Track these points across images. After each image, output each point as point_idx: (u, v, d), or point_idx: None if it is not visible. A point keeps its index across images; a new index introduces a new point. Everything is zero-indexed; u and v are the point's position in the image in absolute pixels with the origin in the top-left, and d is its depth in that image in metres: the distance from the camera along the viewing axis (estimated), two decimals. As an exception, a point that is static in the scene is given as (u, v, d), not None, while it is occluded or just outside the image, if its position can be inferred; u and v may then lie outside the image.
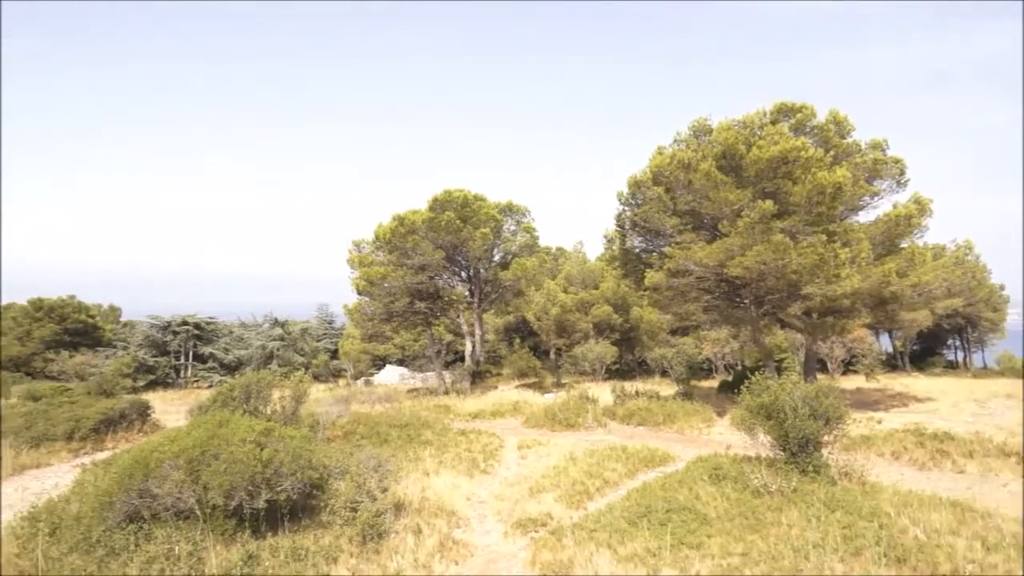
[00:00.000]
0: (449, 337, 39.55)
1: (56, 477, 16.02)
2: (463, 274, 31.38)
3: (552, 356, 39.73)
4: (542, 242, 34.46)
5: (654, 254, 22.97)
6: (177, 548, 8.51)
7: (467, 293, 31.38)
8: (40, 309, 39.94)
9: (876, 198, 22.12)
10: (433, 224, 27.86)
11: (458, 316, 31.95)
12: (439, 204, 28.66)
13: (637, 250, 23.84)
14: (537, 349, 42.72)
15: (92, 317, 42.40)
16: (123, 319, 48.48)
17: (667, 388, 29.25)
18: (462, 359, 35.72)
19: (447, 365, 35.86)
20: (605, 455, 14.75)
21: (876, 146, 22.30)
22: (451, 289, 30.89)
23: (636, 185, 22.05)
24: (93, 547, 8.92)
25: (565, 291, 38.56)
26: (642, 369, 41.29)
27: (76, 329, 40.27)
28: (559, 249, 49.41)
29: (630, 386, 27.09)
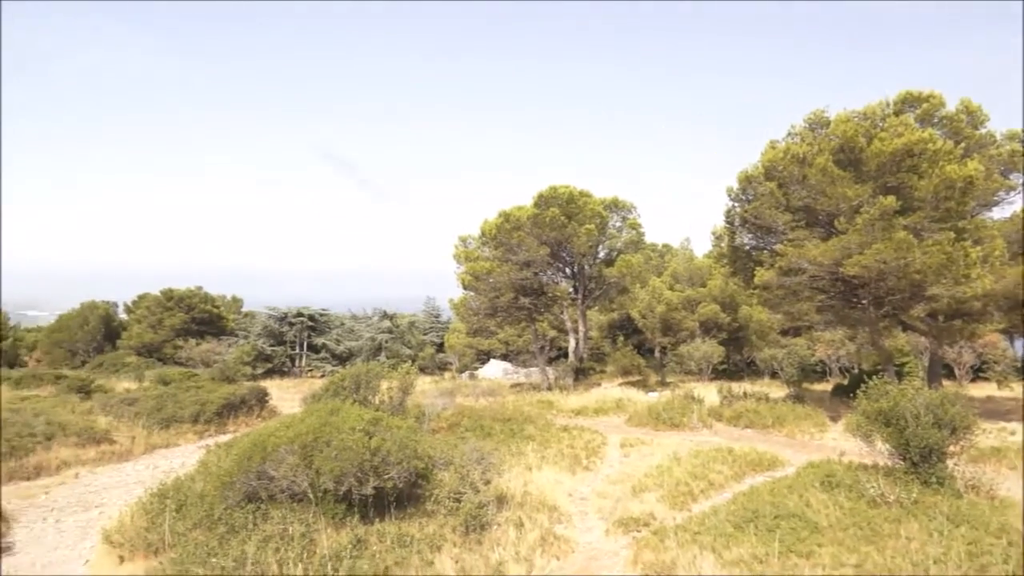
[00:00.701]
0: (553, 333, 39.62)
1: (183, 456, 17.13)
2: (567, 270, 31.37)
3: (657, 354, 39.16)
4: (648, 238, 34.01)
5: (765, 251, 22.22)
6: (291, 529, 8.93)
7: (571, 289, 31.34)
8: (171, 299, 42.69)
9: (1012, 193, 20.59)
10: (538, 220, 27.98)
11: (562, 312, 31.97)
12: (544, 200, 28.74)
13: (747, 247, 23.12)
14: (641, 347, 42.21)
15: (217, 307, 44.99)
16: (244, 310, 51.14)
17: (777, 390, 28.28)
18: (565, 355, 35.73)
19: (550, 361, 35.95)
20: (710, 456, 14.41)
21: (1013, 137, 20.75)
22: (555, 285, 30.94)
23: (747, 180, 21.40)
24: (215, 524, 9.48)
25: (671, 288, 37.91)
26: (750, 370, 40.06)
27: (202, 318, 42.81)
28: (665, 246, 48.61)
29: (737, 387, 26.35)
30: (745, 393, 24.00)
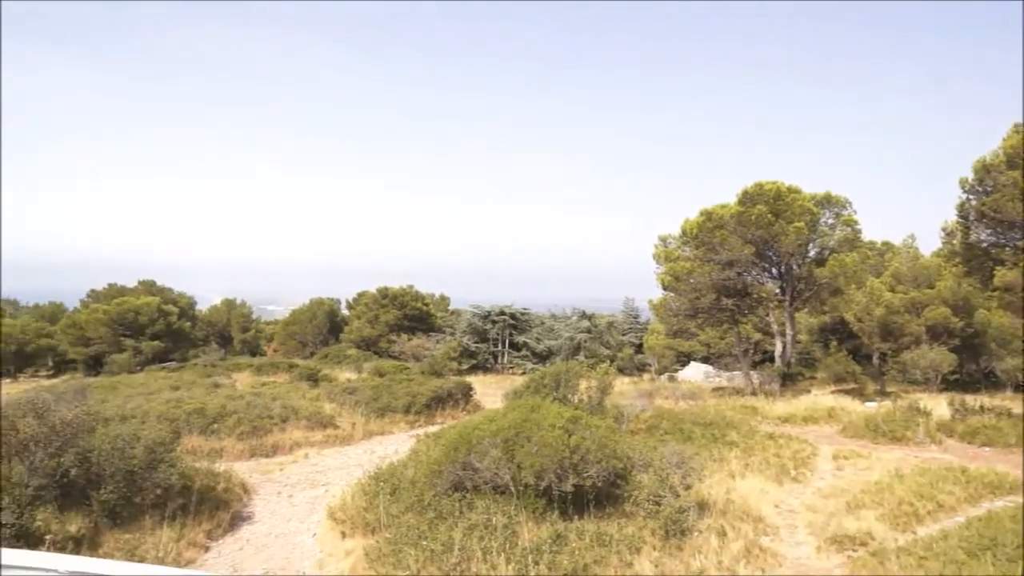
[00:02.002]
0: (757, 336, 37.87)
1: (396, 444, 18.32)
2: (773, 270, 29.82)
3: (875, 361, 36.13)
4: (865, 236, 31.47)
5: (1007, 249, 19.78)
6: (494, 519, 9.26)
7: (777, 290, 29.77)
8: (386, 297, 45.90)
9: None
10: (742, 218, 26.87)
11: (767, 314, 30.46)
12: (749, 197, 27.54)
13: (984, 244, 20.72)
14: (856, 353, 39.14)
15: (426, 305, 47.74)
16: (451, 308, 53.80)
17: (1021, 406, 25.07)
18: (771, 359, 34.02)
19: (755, 365, 34.38)
20: (939, 475, 13.05)
21: None
22: (760, 286, 29.54)
23: (984, 170, 19.18)
24: (425, 509, 10.06)
25: (892, 290, 34.79)
26: (989, 381, 35.77)
27: (413, 315, 45.60)
28: (885, 244, 44.73)
29: (972, 400, 23.67)
30: (982, 407, 21.49)
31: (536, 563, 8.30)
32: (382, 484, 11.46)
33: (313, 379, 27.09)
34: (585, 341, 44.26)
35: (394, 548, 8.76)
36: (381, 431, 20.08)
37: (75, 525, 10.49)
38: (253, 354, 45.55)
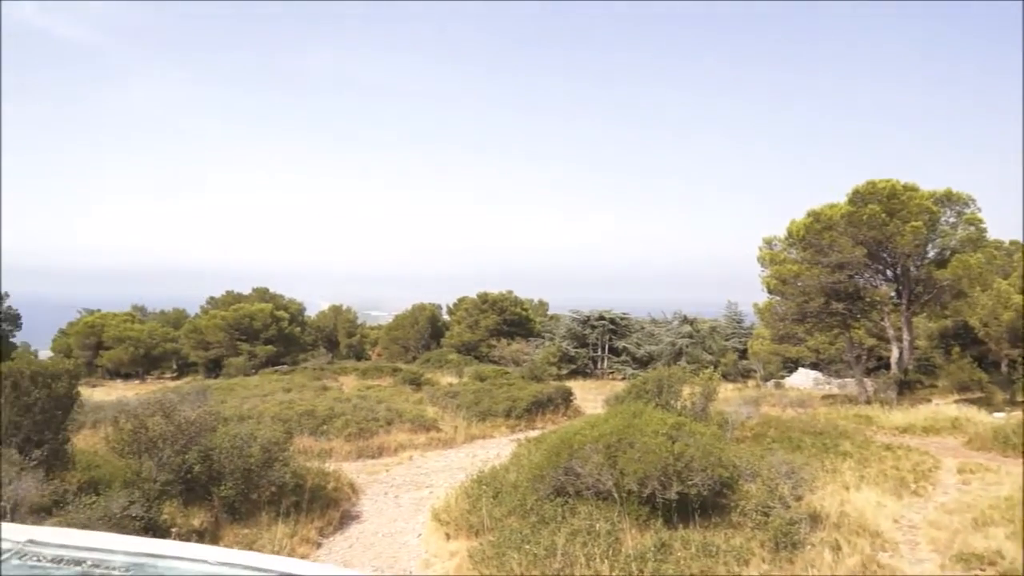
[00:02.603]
0: (871, 341, 36.08)
1: (497, 448, 18.47)
2: (888, 272, 28.33)
3: (1004, 369, 33.78)
4: (991, 235, 29.48)
5: None
6: (597, 525, 9.20)
7: (893, 293, 28.27)
8: (485, 302, 46.41)
9: None
10: (853, 219, 25.68)
11: (882, 319, 28.96)
12: (860, 196, 26.30)
13: None
14: (983, 360, 36.68)
15: (525, 310, 47.99)
16: (549, 312, 53.90)
17: None
18: (886, 366, 32.33)
19: (868, 372, 32.77)
20: (1080, 493, 12.07)
21: None
22: (873, 289, 28.13)
23: None
24: (527, 513, 10.10)
25: (1023, 292, 32.48)
26: None
27: (513, 320, 45.91)
28: (1013, 243, 41.78)
29: (1118, 412, 21.79)
30: None
31: (640, 571, 8.19)
32: (485, 487, 11.58)
33: (416, 383, 27.69)
34: (687, 346, 43.39)
35: (498, 551, 8.83)
36: (482, 435, 20.30)
37: (198, 519, 11.10)
38: (358, 358, 47.00)
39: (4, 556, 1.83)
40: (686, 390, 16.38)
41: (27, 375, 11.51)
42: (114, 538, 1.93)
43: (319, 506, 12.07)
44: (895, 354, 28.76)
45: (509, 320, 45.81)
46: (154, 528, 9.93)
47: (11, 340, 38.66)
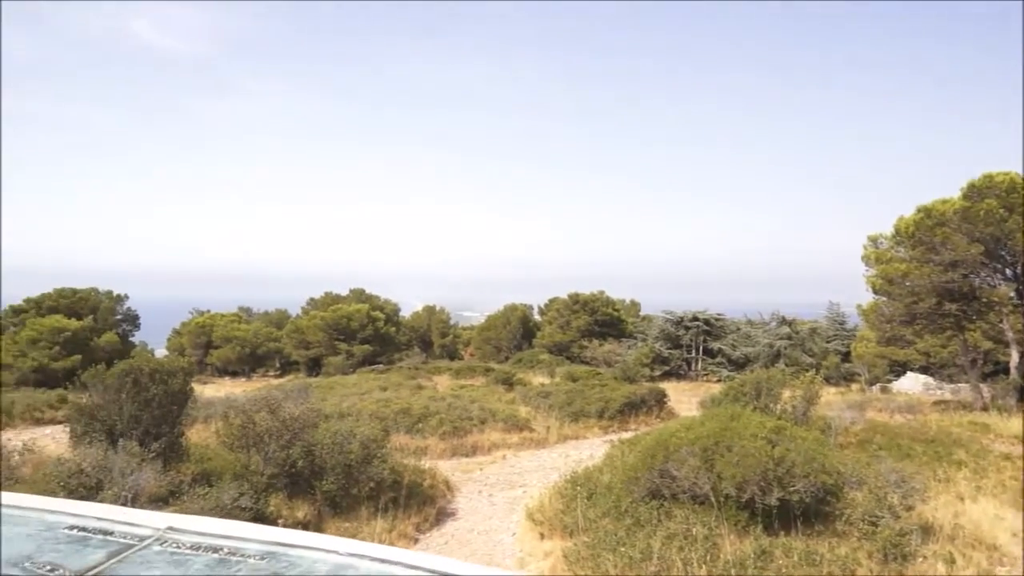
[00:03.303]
0: (987, 345, 33.96)
1: (590, 449, 18.39)
2: (1007, 272, 26.60)
3: None
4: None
5: None
6: (694, 530, 9.02)
7: (1012, 294, 26.53)
8: (577, 303, 46.29)
9: None
10: (968, 215, 24.24)
11: (1000, 320, 27.20)
12: (976, 191, 24.80)
13: None
14: (1116, 365, 33.98)
15: (617, 311, 47.60)
16: (642, 313, 53.26)
17: None
18: (1004, 371, 30.38)
19: (985, 377, 30.88)
20: None
21: None
22: (990, 289, 26.46)
23: None
24: (622, 516, 10.00)
25: None
26: None
27: (604, 320, 45.62)
28: None
29: None
30: None
31: (740, 578, 7.99)
32: (579, 488, 11.54)
33: (508, 383, 27.89)
34: (785, 348, 42.02)
35: (593, 552, 8.79)
36: (575, 435, 20.25)
37: (302, 511, 11.53)
38: (451, 358, 47.73)
39: (146, 542, 1.94)
40: (786, 393, 15.86)
41: (146, 372, 12.23)
42: (248, 527, 2.02)
43: (416, 502, 12.33)
44: (1015, 358, 26.96)
45: (601, 321, 45.54)
46: (261, 519, 10.37)
47: (130, 339, 41.17)
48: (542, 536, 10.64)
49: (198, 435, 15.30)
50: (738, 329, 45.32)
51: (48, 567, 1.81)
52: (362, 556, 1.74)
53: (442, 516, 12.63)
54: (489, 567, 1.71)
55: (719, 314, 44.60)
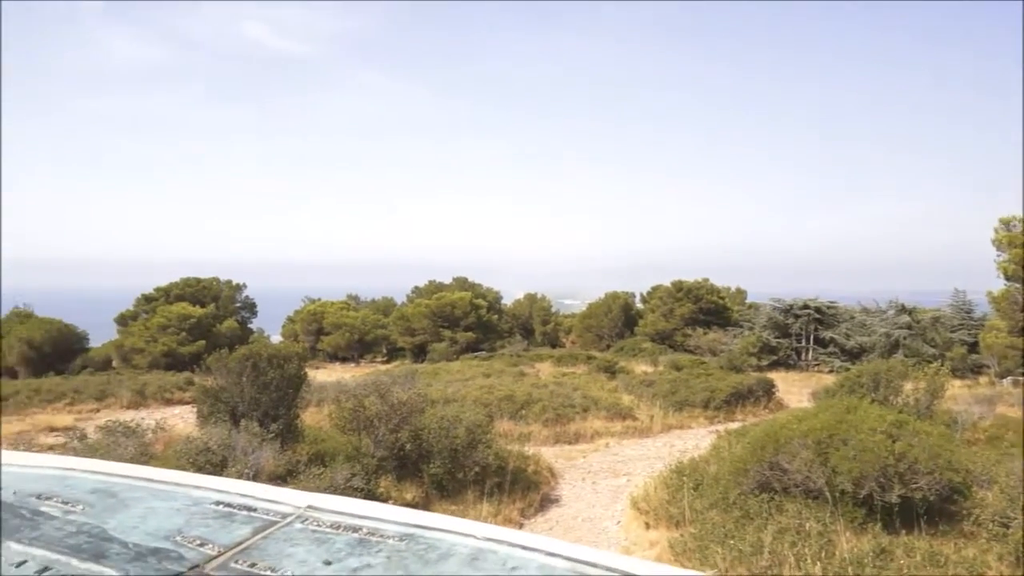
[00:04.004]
0: None
1: (695, 439, 18.08)
2: None
3: None
4: None
5: None
6: (807, 525, 8.73)
7: None
8: (680, 290, 45.43)
9: None
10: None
11: None
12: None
13: None
14: None
15: (722, 298, 46.41)
16: (748, 301, 51.73)
17: None
18: None
19: None
20: None
21: None
22: None
23: None
24: (730, 507, 9.79)
25: None
26: None
27: (709, 308, 44.58)
28: None
29: None
30: None
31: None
32: (685, 478, 11.37)
33: (611, 371, 27.73)
34: (904, 338, 39.88)
35: (700, 544, 8.66)
36: (679, 425, 19.95)
37: (410, 493, 11.88)
38: (553, 345, 47.79)
39: (288, 519, 2.02)
40: (907, 386, 15.09)
41: (264, 357, 12.88)
42: (386, 508, 2.07)
43: (520, 488, 12.47)
44: None
45: (705, 309, 44.53)
46: (372, 499, 10.76)
47: (249, 326, 43.38)
48: (647, 525, 10.57)
49: (311, 418, 15.98)
50: (852, 318, 43.38)
51: (198, 541, 1.92)
52: (500, 541, 1.77)
53: (546, 502, 12.73)
54: (622, 556, 1.70)
55: (832, 302, 42.80)
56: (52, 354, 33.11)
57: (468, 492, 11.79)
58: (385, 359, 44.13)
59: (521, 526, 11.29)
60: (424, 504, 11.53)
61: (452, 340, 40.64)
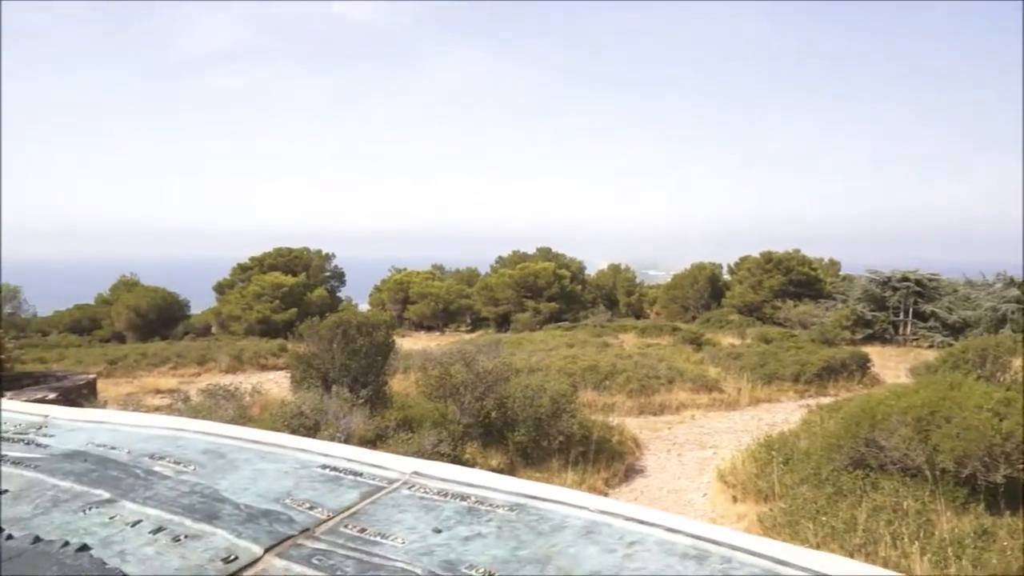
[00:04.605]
0: None
1: (784, 413, 17.67)
2: None
3: None
4: None
5: None
6: (905, 504, 8.43)
7: None
8: (770, 261, 44.13)
9: None
10: None
11: None
12: None
13: None
14: None
15: (814, 270, 44.85)
16: (842, 272, 49.84)
17: None
18: None
19: None
20: None
21: None
22: None
23: None
24: (822, 484, 9.54)
25: None
26: None
27: (799, 280, 43.18)
28: None
29: None
30: None
31: (958, 558, 7.39)
32: (774, 452, 11.15)
33: (696, 343, 27.31)
34: (1013, 312, 37.70)
35: (790, 519, 8.49)
36: (768, 398, 19.52)
37: (495, 460, 12.07)
38: (637, 316, 47.34)
39: (395, 485, 2.05)
40: (1016, 362, 14.30)
41: (354, 325, 13.26)
42: (492, 476, 2.05)
43: (604, 458, 12.49)
44: None
45: (796, 280, 43.15)
46: (459, 464, 10.99)
47: (337, 295, 44.69)
48: (735, 499, 10.43)
49: (398, 384, 16.38)
50: (955, 291, 41.26)
51: (307, 505, 1.96)
52: (615, 514, 1.73)
53: (631, 472, 12.72)
54: (744, 534, 1.65)
55: (934, 274, 40.77)
56: (157, 320, 35.04)
57: (553, 460, 11.89)
58: (469, 328, 44.69)
59: (606, 495, 11.32)
60: (509, 471, 11.70)
61: (535, 310, 40.79)
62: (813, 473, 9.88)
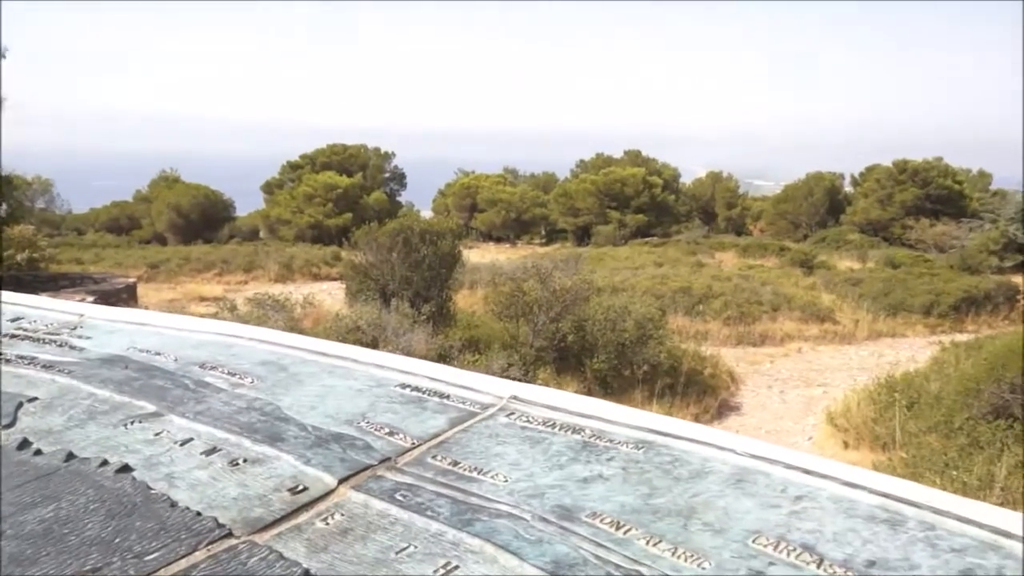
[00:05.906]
0: None
1: (910, 350, 17.26)
2: None
3: None
4: None
5: None
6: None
7: None
8: (903, 172, 42.32)
9: None
10: None
11: None
12: None
13: None
14: None
15: (958, 183, 42.76)
16: (992, 187, 47.48)
17: None
18: None
19: None
20: None
21: None
22: None
23: None
24: (954, 433, 9.33)
25: None
26: None
27: (939, 196, 41.32)
28: None
29: None
30: None
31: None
32: (896, 395, 10.92)
33: (808, 265, 26.70)
34: None
35: (913, 472, 8.35)
36: (891, 332, 19.08)
37: (571, 388, 12.18)
38: (738, 233, 46.43)
39: (490, 411, 1.95)
40: None
41: (416, 233, 13.37)
42: (608, 406, 1.93)
43: (695, 391, 12.50)
44: None
45: (934, 195, 41.32)
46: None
47: (397, 199, 45.08)
48: (846, 445, 10.35)
49: (464, 301, 16.58)
50: None
51: (386, 430, 1.88)
52: (771, 460, 1.58)
53: (724, 409, 12.72)
54: (953, 495, 1.50)
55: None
56: (199, 222, 36.09)
57: (635, 391, 11.95)
58: (544, 241, 44.71)
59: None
60: (587, 402, 11.84)
61: (620, 222, 40.41)
62: (944, 420, 9.67)
